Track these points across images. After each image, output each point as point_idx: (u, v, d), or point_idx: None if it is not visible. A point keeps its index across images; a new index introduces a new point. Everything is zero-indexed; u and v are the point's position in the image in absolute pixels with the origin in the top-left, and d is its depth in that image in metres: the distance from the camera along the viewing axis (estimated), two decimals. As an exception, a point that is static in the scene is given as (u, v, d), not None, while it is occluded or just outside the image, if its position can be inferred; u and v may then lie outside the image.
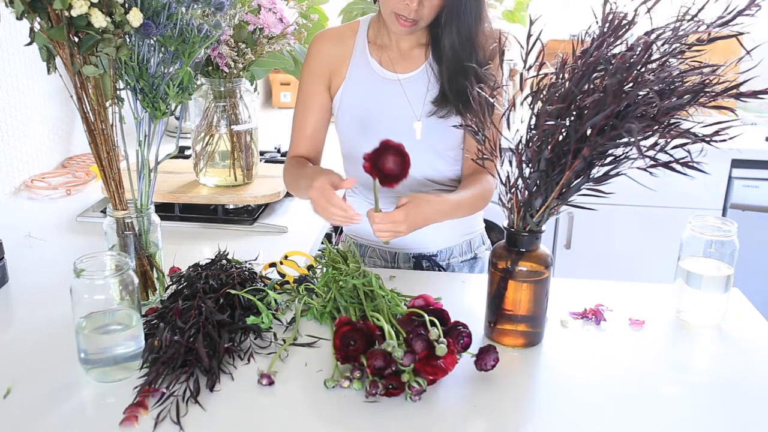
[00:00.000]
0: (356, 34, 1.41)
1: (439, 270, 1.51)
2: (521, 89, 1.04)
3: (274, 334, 1.09)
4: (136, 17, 1.01)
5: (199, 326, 1.03)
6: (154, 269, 1.19)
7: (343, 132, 1.46)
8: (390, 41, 1.39)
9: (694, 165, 0.93)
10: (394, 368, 0.93)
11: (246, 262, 1.26)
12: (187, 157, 1.93)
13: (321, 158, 1.49)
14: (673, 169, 0.94)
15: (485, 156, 1.12)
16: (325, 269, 1.22)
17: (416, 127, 1.39)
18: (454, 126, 1.44)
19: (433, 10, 1.25)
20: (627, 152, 0.98)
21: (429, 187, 1.45)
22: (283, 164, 1.49)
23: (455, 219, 1.41)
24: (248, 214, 1.65)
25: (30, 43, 1.06)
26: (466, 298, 1.27)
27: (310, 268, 1.28)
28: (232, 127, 1.68)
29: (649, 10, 0.98)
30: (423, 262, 1.50)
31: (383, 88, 1.39)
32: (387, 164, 1.12)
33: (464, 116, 1.36)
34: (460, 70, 1.31)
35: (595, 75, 0.97)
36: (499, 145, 1.14)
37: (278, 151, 2.23)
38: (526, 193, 1.03)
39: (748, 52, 0.95)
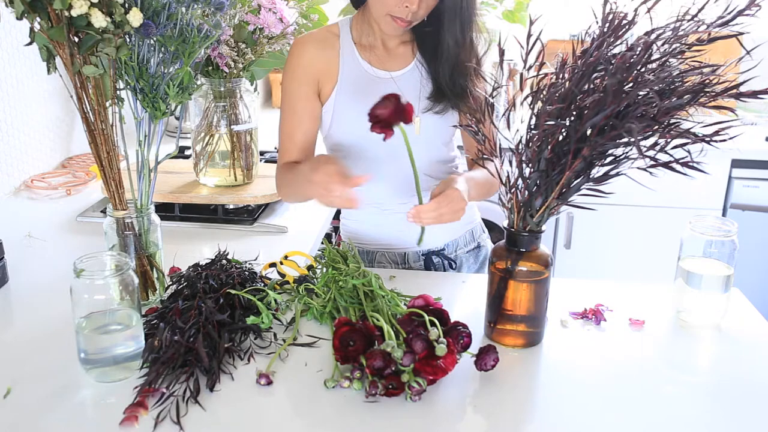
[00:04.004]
0: (339, 37, 1.40)
1: (450, 263, 1.51)
2: (521, 89, 1.04)
3: (274, 334, 1.09)
4: (136, 17, 1.01)
5: (199, 326, 1.03)
6: (154, 269, 1.19)
7: (338, 137, 1.43)
8: (376, 41, 1.39)
9: (694, 165, 0.93)
10: (393, 368, 0.93)
11: (246, 262, 1.26)
12: (187, 157, 1.93)
13: None
14: (673, 169, 0.94)
15: (485, 156, 1.12)
16: (324, 269, 1.22)
17: (415, 122, 1.39)
18: (454, 126, 1.45)
19: (428, 9, 1.27)
20: (627, 152, 0.98)
21: (429, 183, 1.45)
22: (275, 172, 1.46)
23: (473, 200, 1.43)
24: (248, 214, 1.65)
25: (30, 43, 1.06)
26: (466, 298, 1.27)
27: (310, 268, 1.28)
28: (232, 127, 1.68)
29: (649, 10, 0.98)
30: (433, 257, 1.51)
31: (378, 88, 1.38)
32: (384, 110, 1.05)
33: (461, 112, 1.39)
34: (460, 68, 1.33)
35: (595, 75, 0.97)
36: (499, 144, 1.14)
37: (278, 151, 2.22)
38: (526, 193, 1.03)
39: (748, 52, 0.95)
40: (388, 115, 1.05)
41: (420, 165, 1.43)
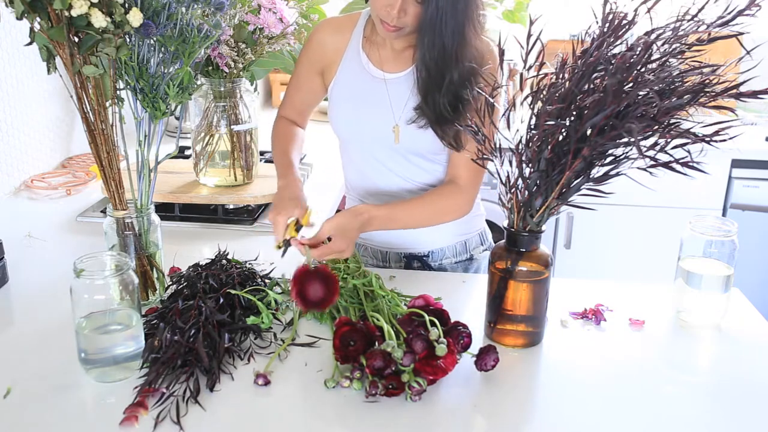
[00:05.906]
0: (354, 28, 1.40)
1: (430, 271, 1.49)
2: (521, 89, 1.04)
3: (274, 334, 1.09)
4: (136, 17, 1.01)
5: (199, 326, 1.03)
6: (154, 269, 1.19)
7: (334, 126, 1.45)
8: (384, 39, 1.35)
9: (694, 165, 0.93)
10: (393, 368, 0.93)
11: (246, 262, 1.26)
12: (187, 157, 1.93)
13: (306, 123, 1.56)
14: (673, 169, 0.94)
15: (485, 156, 1.12)
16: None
17: (394, 132, 1.36)
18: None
19: (416, 18, 1.20)
20: (627, 152, 0.98)
21: (415, 191, 1.42)
22: (274, 119, 1.54)
23: (407, 228, 1.39)
24: (248, 214, 1.65)
25: (30, 43, 1.06)
26: (466, 298, 1.27)
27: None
28: (232, 127, 1.68)
29: (649, 10, 0.98)
30: (414, 262, 1.49)
31: (368, 86, 1.37)
32: (310, 292, 1.08)
33: (440, 131, 1.29)
34: (434, 85, 1.25)
35: (595, 75, 0.97)
36: (495, 144, 1.13)
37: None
38: (526, 193, 1.03)
39: (748, 52, 0.95)
40: (326, 297, 1.08)
41: (403, 174, 1.40)
